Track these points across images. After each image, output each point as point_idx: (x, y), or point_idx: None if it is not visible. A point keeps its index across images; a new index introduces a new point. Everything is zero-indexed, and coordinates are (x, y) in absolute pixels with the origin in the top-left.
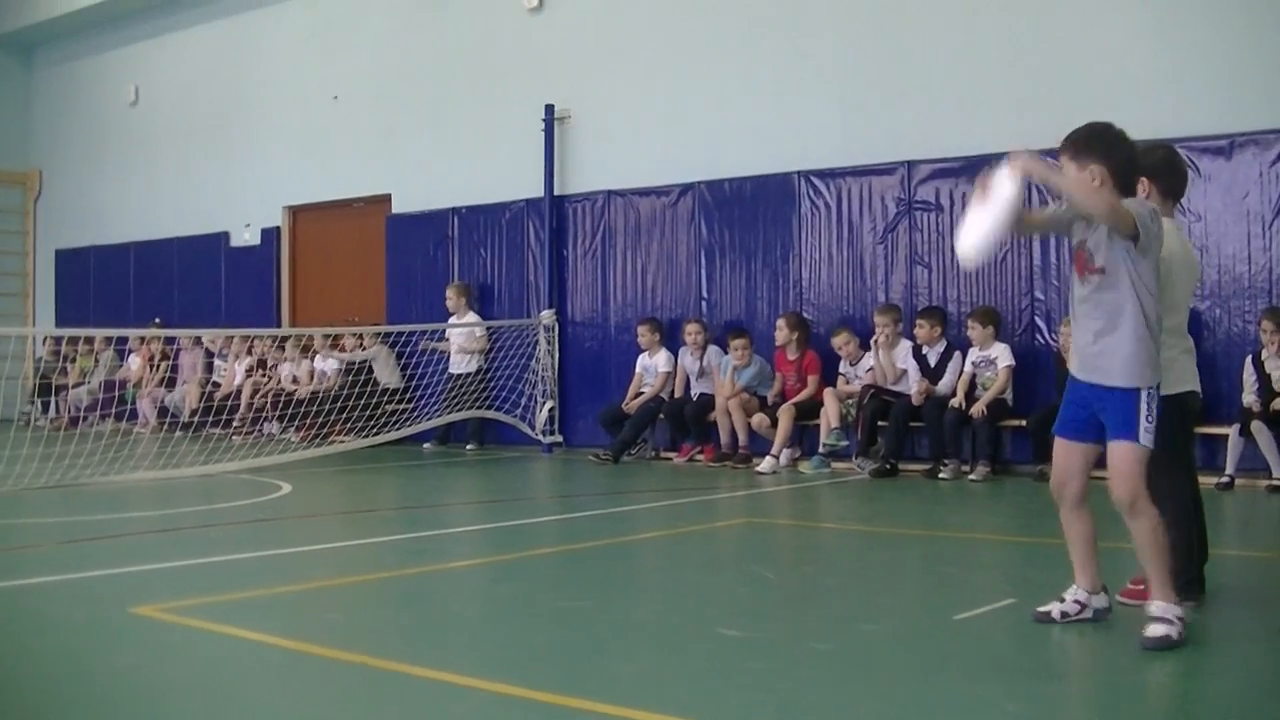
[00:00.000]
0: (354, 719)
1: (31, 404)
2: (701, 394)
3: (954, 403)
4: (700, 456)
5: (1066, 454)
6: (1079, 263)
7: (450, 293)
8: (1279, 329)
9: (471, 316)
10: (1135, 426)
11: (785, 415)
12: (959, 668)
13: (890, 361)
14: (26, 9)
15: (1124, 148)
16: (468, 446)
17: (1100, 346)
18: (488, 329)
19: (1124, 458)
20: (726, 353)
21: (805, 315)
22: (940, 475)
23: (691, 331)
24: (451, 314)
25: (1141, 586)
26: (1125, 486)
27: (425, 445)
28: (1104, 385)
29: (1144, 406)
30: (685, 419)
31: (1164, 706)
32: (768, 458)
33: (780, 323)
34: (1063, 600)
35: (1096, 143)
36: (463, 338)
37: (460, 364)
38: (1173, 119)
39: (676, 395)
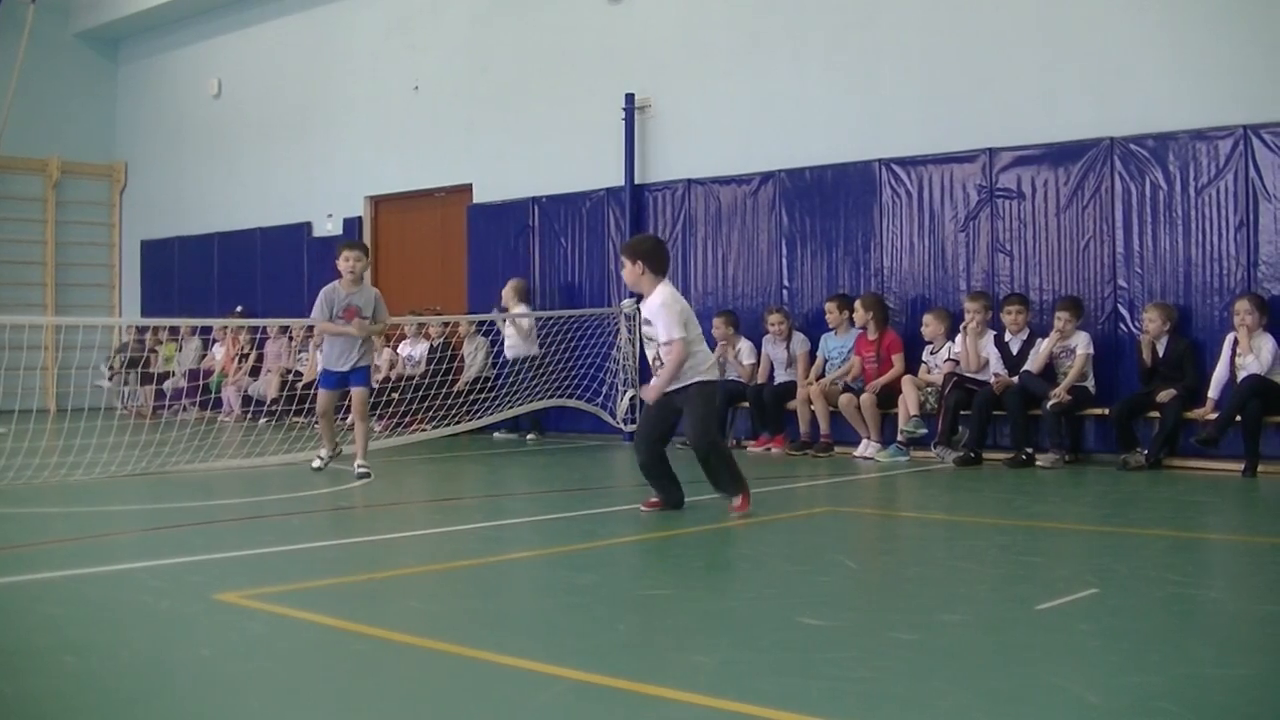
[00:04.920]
0: (436, 706)
1: (116, 391)
2: (781, 381)
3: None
4: (773, 449)
5: None
6: None
7: (507, 293)
8: (1253, 310)
9: (523, 308)
10: None
11: (870, 402)
12: (1041, 659)
13: (976, 349)
14: (112, 4)
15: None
16: (528, 436)
17: None
18: (568, 318)
19: None
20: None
21: (887, 303)
22: (1021, 463)
23: (774, 321)
24: (504, 307)
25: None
26: None
27: (495, 434)
28: None
29: None
30: (764, 407)
31: (1250, 702)
32: (870, 443)
33: (857, 304)
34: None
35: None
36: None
37: (516, 349)
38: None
39: (759, 383)
